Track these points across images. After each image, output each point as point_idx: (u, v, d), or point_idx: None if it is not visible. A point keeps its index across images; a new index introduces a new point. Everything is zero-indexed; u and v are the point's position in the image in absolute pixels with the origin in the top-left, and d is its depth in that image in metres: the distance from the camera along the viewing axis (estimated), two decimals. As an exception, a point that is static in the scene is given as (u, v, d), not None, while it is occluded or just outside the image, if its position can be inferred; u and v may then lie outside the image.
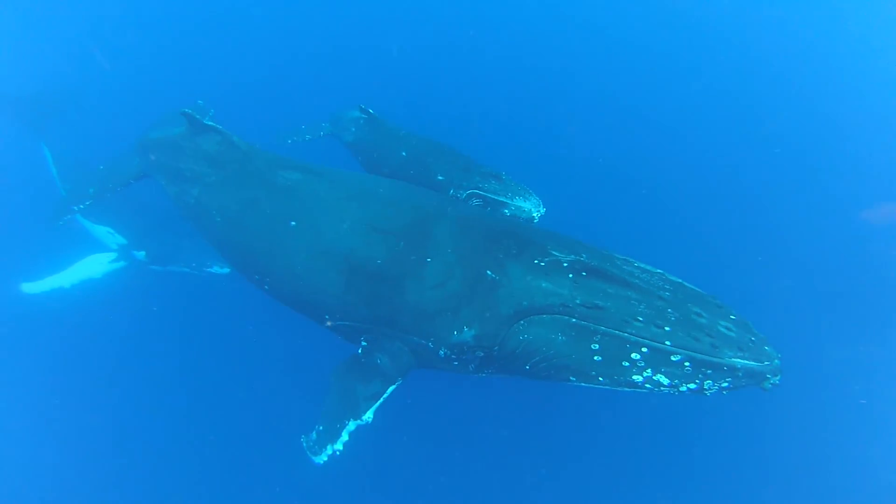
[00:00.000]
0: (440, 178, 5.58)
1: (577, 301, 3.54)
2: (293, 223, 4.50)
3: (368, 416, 4.17)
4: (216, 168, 5.12)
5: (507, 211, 5.21)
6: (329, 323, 4.46)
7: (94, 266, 7.93)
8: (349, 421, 4.13)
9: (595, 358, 3.45)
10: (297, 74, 11.77)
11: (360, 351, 4.37)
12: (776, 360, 3.22)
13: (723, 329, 3.35)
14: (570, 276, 3.66)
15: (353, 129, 6.77)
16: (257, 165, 4.96)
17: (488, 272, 3.82)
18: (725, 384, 3.25)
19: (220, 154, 5.15)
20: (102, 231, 8.11)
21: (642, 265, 3.87)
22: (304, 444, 4.17)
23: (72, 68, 11.99)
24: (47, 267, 7.88)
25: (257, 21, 13.20)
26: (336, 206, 4.48)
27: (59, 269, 7.90)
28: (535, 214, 5.15)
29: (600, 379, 3.49)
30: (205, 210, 5.08)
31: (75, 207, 6.30)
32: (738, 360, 3.19)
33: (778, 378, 3.21)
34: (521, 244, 3.92)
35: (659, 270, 3.84)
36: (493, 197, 5.27)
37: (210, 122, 5.15)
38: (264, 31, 12.98)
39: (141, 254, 7.84)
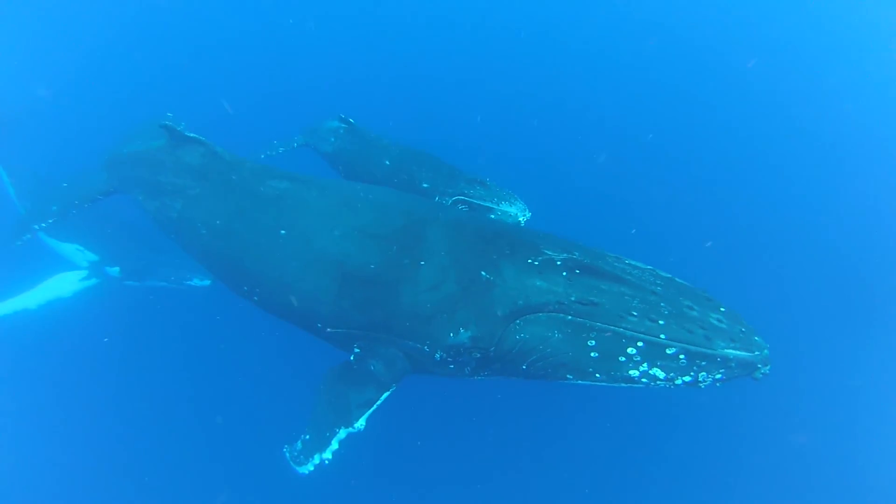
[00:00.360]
0: (425, 185, 5.61)
1: (572, 298, 3.58)
2: (283, 232, 4.44)
3: (361, 423, 4.09)
4: (200, 180, 5.03)
5: (493, 216, 5.26)
6: (329, 329, 4.37)
7: (63, 285, 7.62)
8: (340, 429, 4.04)
9: (591, 354, 3.49)
10: (263, 87, 11.71)
11: (352, 357, 4.31)
12: (766, 350, 3.32)
13: (714, 321, 3.44)
14: (564, 273, 3.71)
15: (333, 140, 6.73)
16: (243, 175, 4.90)
17: (483, 273, 3.84)
18: (719, 375, 3.33)
19: (204, 166, 5.07)
20: (70, 249, 7.84)
21: (633, 262, 3.95)
22: (288, 455, 4.06)
23: (20, 85, 11.59)
24: (10, 288, 7.52)
25: (221, 35, 13.12)
26: (326, 213, 4.45)
27: (23, 290, 7.56)
28: (521, 219, 5.22)
29: (597, 375, 3.53)
30: (189, 223, 4.97)
31: (35, 226, 6.06)
32: (731, 350, 3.27)
33: (768, 368, 3.30)
34: (514, 244, 3.96)
35: (649, 267, 3.93)
36: (478, 202, 5.32)
37: (192, 134, 5.06)
38: (229, 45, 12.89)
39: (114, 270, 7.60)
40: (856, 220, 10.95)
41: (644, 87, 12.35)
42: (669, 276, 3.86)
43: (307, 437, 4.10)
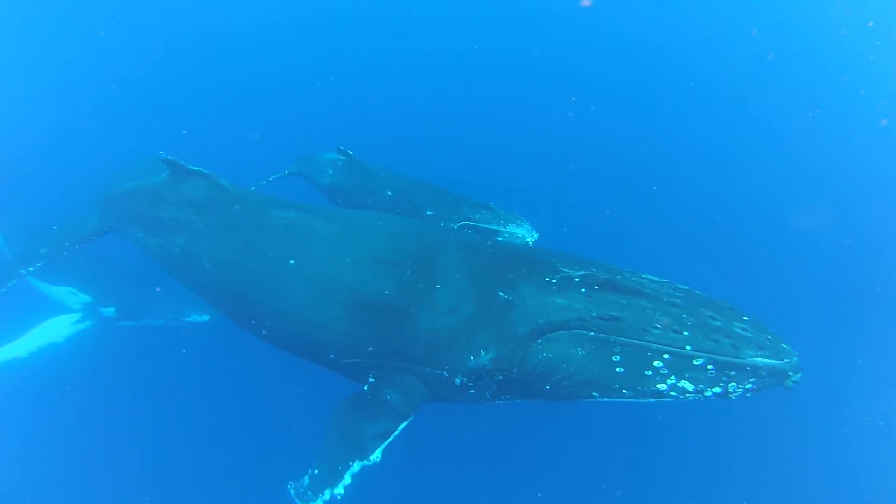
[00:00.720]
0: (429, 213, 5.60)
1: (594, 314, 3.53)
2: (291, 262, 4.36)
3: (376, 455, 3.93)
4: (204, 214, 4.97)
5: (500, 238, 5.25)
6: (343, 360, 4.25)
7: (56, 330, 7.40)
8: (354, 462, 3.88)
9: (617, 370, 3.42)
10: (249, 119, 11.81)
11: (366, 388, 4.19)
12: (794, 357, 3.27)
13: (739, 330, 3.40)
14: (583, 290, 3.67)
15: (331, 172, 6.69)
16: (248, 207, 4.86)
17: (500, 293, 3.78)
18: (749, 385, 3.26)
19: (208, 199, 5.01)
20: (62, 291, 7.66)
21: (649, 276, 3.93)
22: (293, 492, 3.88)
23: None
24: (-1, 337, 7.28)
25: (195, 73, 13.30)
26: (336, 240, 4.39)
27: (13, 338, 7.30)
28: (528, 239, 5.22)
29: (624, 391, 3.46)
30: (192, 258, 4.88)
31: (23, 270, 5.90)
32: (760, 359, 3.22)
33: (799, 375, 3.25)
34: (530, 264, 3.92)
35: (666, 280, 3.91)
36: (485, 226, 5.32)
37: (195, 167, 5.02)
38: (212, 81, 13.05)
39: (109, 310, 7.44)
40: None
41: (644, 104, 12.64)
42: (687, 288, 3.84)
43: (315, 471, 3.93)
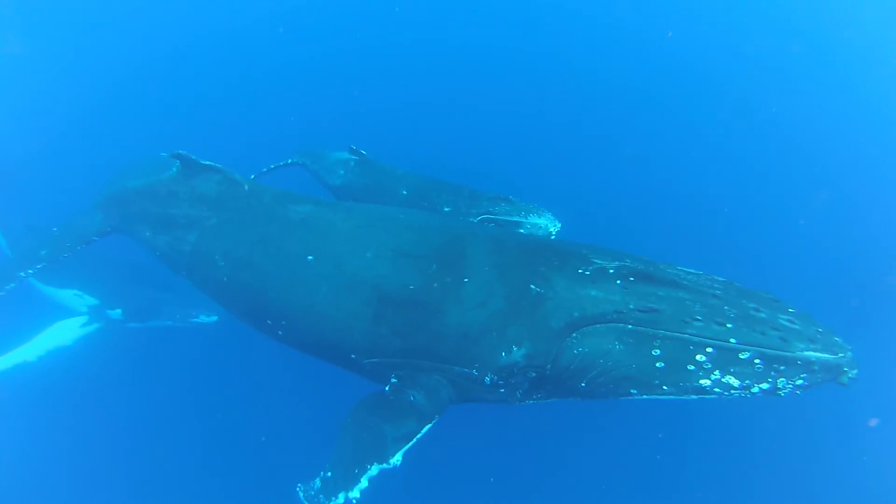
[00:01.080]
0: (447, 209, 5.45)
1: (631, 306, 3.36)
2: (310, 258, 4.19)
3: (397, 458, 3.72)
4: (218, 210, 4.80)
5: (522, 230, 5.08)
6: (364, 360, 4.08)
7: (64, 333, 7.26)
8: (372, 465, 3.68)
9: (657, 365, 3.25)
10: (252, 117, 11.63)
11: (387, 388, 4.01)
12: (849, 352, 3.08)
13: (785, 322, 3.22)
14: (619, 282, 3.50)
15: (342, 172, 6.49)
16: (264, 202, 4.70)
17: (532, 286, 3.61)
18: (800, 381, 3.07)
19: (222, 194, 4.85)
20: (68, 295, 7.53)
21: (684, 268, 3.75)
22: (302, 495, 3.67)
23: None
24: (7, 342, 7.12)
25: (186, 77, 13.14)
26: (356, 234, 4.22)
27: (21, 343, 7.16)
28: (552, 229, 5.06)
29: (665, 388, 3.29)
30: (205, 256, 4.71)
31: (22, 273, 5.71)
32: (812, 353, 3.04)
33: (855, 371, 3.05)
34: (561, 255, 3.75)
35: (701, 272, 3.73)
36: (505, 218, 5.16)
37: (207, 162, 4.85)
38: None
39: (116, 312, 7.30)
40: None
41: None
42: (725, 279, 3.67)
43: (328, 473, 3.72)
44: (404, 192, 5.80)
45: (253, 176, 6.98)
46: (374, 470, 3.66)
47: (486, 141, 11.18)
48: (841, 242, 10.54)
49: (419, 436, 3.83)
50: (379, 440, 3.78)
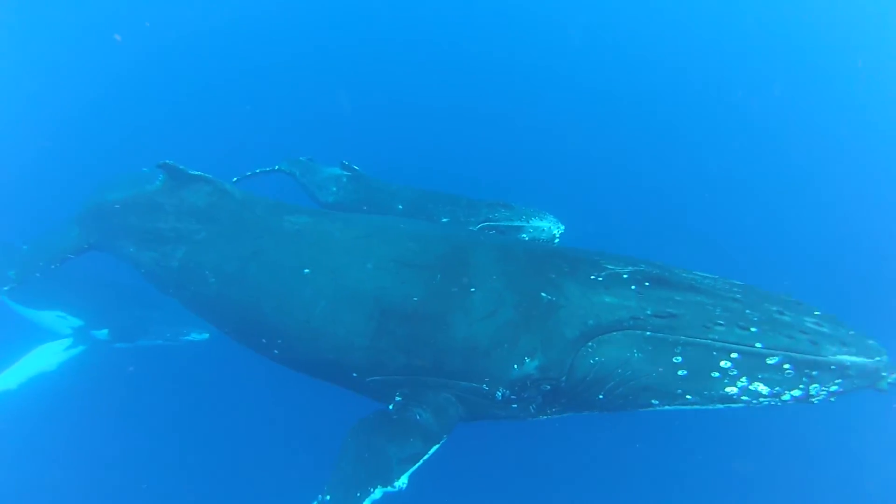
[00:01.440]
0: (445, 219, 5.26)
1: (648, 312, 3.18)
2: (307, 271, 3.96)
3: (402, 481, 3.51)
4: (207, 222, 4.57)
5: (524, 235, 4.90)
6: (367, 378, 3.85)
7: (46, 357, 6.95)
8: (375, 487, 3.46)
9: (679, 373, 3.06)
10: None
11: (391, 407, 3.78)
12: (885, 356, 2.90)
13: (813, 325, 3.04)
14: (633, 287, 3.31)
15: (335, 189, 6.28)
16: (256, 213, 4.48)
17: (543, 294, 3.41)
18: (835, 387, 2.89)
19: (212, 206, 4.62)
20: (50, 316, 7.23)
21: (700, 273, 3.58)
22: None
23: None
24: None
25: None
26: (355, 245, 4.01)
27: (1, 369, 6.82)
28: (555, 232, 4.88)
29: (688, 397, 3.10)
30: (194, 272, 4.47)
31: None
32: (846, 356, 2.86)
33: (894, 376, 2.88)
34: (572, 262, 3.57)
35: (718, 276, 3.55)
36: (507, 224, 4.99)
37: (196, 172, 4.61)
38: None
39: (102, 333, 7.02)
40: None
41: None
42: (743, 283, 3.49)
43: (327, 497, 3.50)
44: (400, 207, 5.64)
45: (235, 179, 6.66)
46: (377, 493, 3.46)
47: (480, 150, 11.03)
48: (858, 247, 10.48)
49: (426, 457, 3.61)
50: (383, 461, 3.57)
